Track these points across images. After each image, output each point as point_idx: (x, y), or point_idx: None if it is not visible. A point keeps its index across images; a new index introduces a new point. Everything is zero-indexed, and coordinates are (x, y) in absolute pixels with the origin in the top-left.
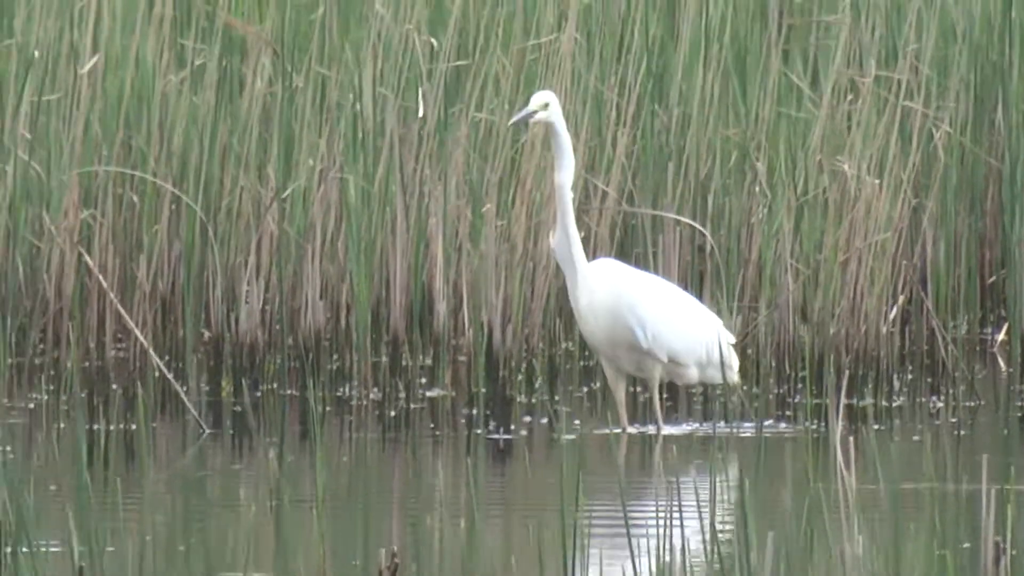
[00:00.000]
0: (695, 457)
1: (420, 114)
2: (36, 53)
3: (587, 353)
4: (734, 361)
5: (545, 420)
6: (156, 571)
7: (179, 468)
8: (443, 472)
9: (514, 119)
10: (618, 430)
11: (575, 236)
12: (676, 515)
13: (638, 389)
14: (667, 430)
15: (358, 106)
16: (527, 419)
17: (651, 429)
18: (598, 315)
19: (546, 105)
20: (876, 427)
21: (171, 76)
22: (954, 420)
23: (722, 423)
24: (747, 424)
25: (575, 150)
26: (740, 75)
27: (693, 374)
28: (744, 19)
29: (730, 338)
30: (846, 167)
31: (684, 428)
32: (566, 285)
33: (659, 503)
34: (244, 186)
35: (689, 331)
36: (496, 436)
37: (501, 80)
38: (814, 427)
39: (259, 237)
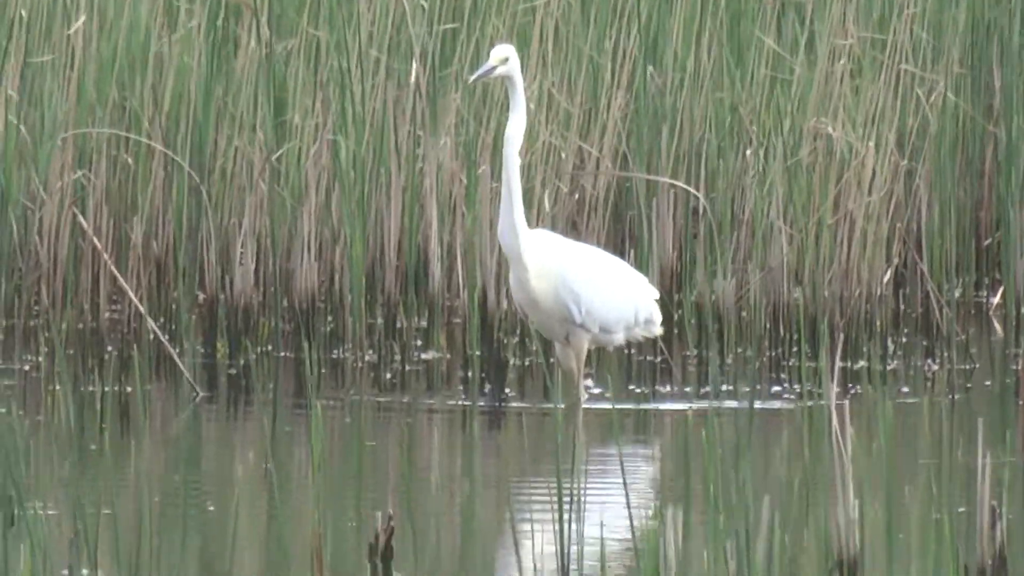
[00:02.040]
0: (688, 426)
1: (412, 79)
2: (23, 13)
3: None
4: (657, 316)
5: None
6: (151, 533)
7: (173, 431)
8: (438, 435)
9: (475, 75)
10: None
11: (518, 197)
12: (670, 483)
13: (633, 351)
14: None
15: (350, 68)
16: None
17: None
18: (541, 286)
19: (505, 59)
20: (871, 390)
21: (164, 37)
22: (949, 384)
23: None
24: (730, 393)
25: (570, 113)
26: (734, 39)
27: (620, 338)
28: None
29: (654, 293)
30: (830, 129)
31: (680, 402)
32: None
33: (652, 472)
34: (238, 147)
35: (619, 300)
36: (491, 405)
37: (495, 42)
38: (808, 390)
39: (253, 199)
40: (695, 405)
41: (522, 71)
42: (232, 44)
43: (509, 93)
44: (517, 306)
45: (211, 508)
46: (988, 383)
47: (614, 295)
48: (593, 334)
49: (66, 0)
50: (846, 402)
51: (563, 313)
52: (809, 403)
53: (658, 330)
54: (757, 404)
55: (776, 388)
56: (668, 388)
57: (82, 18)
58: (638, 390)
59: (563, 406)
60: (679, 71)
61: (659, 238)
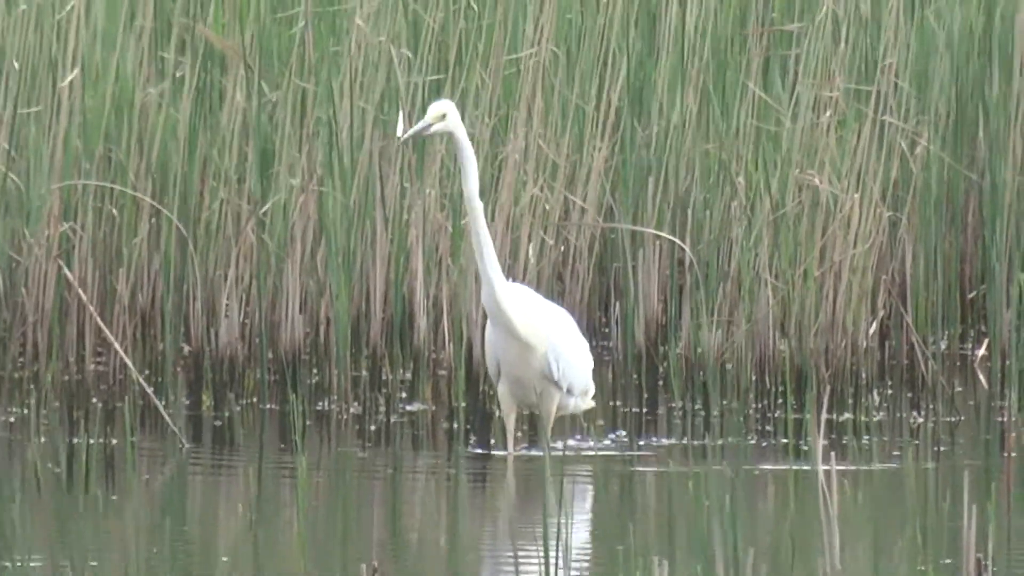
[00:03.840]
0: (666, 474)
1: (399, 134)
2: (16, 64)
3: None
4: (592, 388)
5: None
6: None
7: (159, 483)
8: (423, 487)
9: (409, 133)
10: (505, 453)
11: (490, 251)
12: (655, 535)
13: (618, 403)
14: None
15: (336, 119)
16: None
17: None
18: (529, 336)
19: (443, 116)
20: (856, 442)
21: (151, 89)
22: (934, 436)
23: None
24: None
25: (556, 165)
26: (719, 90)
27: (571, 403)
28: (724, 34)
29: (591, 363)
30: (817, 181)
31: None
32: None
33: (637, 524)
34: (224, 199)
35: (583, 364)
36: (476, 451)
37: (480, 93)
38: (794, 441)
39: (239, 250)
40: (676, 468)
41: (508, 121)
42: (218, 95)
43: (456, 151)
44: (491, 363)
45: (196, 560)
46: (973, 435)
47: (580, 358)
48: (561, 394)
49: (52, 51)
50: (831, 454)
51: (543, 369)
52: (795, 465)
53: (591, 403)
54: (744, 465)
55: (763, 443)
56: (653, 440)
57: (75, 71)
58: (622, 442)
59: (556, 452)
60: (664, 122)
61: (644, 289)
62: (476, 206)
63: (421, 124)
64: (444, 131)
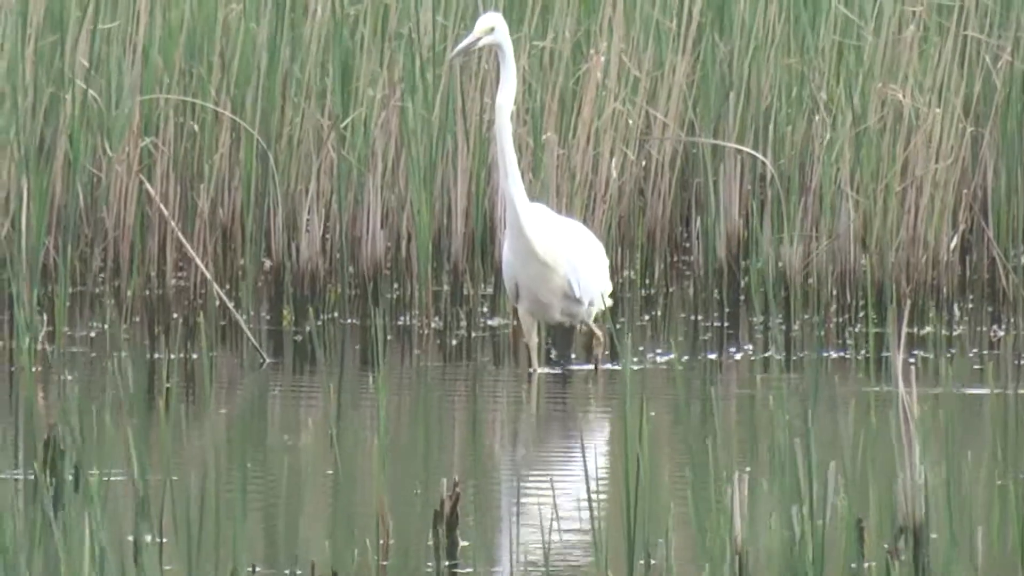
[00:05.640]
0: (747, 388)
1: (479, 46)
2: None
3: (648, 281)
4: (609, 288)
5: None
6: (217, 500)
7: (240, 397)
8: (504, 401)
9: (457, 49)
10: (531, 370)
11: (514, 169)
12: (737, 447)
13: (700, 317)
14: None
15: (417, 34)
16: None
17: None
18: (549, 257)
19: (491, 29)
20: (936, 356)
21: (232, 4)
22: (1015, 349)
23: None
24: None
25: (637, 79)
26: (801, 4)
27: (593, 311)
28: None
29: (607, 261)
30: (900, 96)
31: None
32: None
33: (717, 436)
34: (305, 114)
35: (601, 275)
36: (555, 370)
37: (562, 9)
38: (875, 356)
39: (320, 165)
40: (757, 384)
41: (589, 36)
42: (300, 10)
43: (499, 62)
44: (509, 283)
45: (275, 473)
46: None
47: (597, 269)
48: (584, 307)
49: None
50: (911, 367)
51: (564, 288)
52: (875, 387)
53: (609, 301)
54: (824, 381)
55: (841, 354)
56: (735, 355)
57: None
58: (705, 355)
59: (633, 368)
60: (746, 36)
61: (726, 204)
62: (504, 119)
63: (470, 38)
64: (492, 43)
